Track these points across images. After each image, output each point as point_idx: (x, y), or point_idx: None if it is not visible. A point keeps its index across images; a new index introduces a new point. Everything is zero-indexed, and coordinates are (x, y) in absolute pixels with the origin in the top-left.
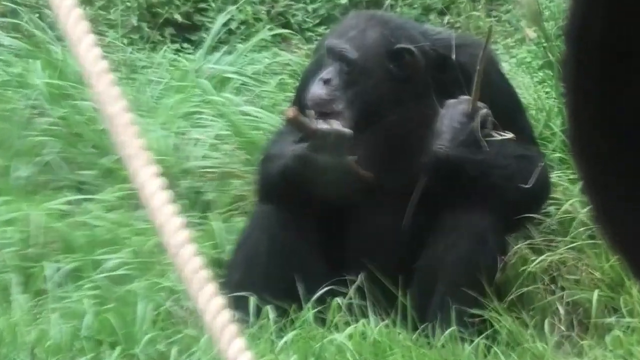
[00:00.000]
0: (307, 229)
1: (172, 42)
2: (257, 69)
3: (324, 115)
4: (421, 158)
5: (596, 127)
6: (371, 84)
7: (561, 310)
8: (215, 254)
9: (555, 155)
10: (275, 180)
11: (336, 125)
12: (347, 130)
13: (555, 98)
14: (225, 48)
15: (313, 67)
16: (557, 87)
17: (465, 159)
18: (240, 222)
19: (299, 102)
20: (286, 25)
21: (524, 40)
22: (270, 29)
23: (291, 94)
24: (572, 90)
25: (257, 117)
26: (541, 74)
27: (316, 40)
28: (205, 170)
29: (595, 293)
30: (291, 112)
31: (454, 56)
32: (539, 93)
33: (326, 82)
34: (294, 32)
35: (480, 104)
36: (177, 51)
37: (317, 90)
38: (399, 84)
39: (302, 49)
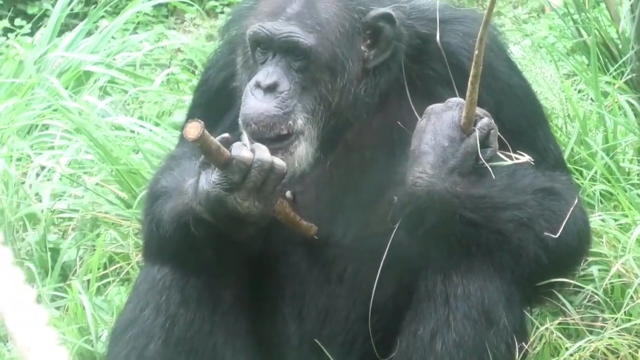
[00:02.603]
0: (222, 304)
1: None
2: (133, 59)
3: (274, 140)
4: (391, 195)
5: None
6: (340, 80)
7: None
8: (83, 343)
9: (596, 187)
10: (167, 231)
11: (263, 152)
12: (279, 161)
13: (594, 99)
14: (81, 25)
15: (223, 58)
16: (596, 80)
17: (458, 196)
18: (118, 294)
19: (205, 113)
20: None
21: (543, 10)
22: None
23: (189, 98)
24: None
25: (135, 132)
26: (571, 62)
27: (222, 12)
28: (59, 216)
29: None
30: (194, 129)
31: (438, 37)
32: (568, 92)
33: (269, 89)
34: (189, 1)
35: (479, 110)
36: (6, 31)
37: (258, 104)
38: (374, 74)
39: (201, 26)
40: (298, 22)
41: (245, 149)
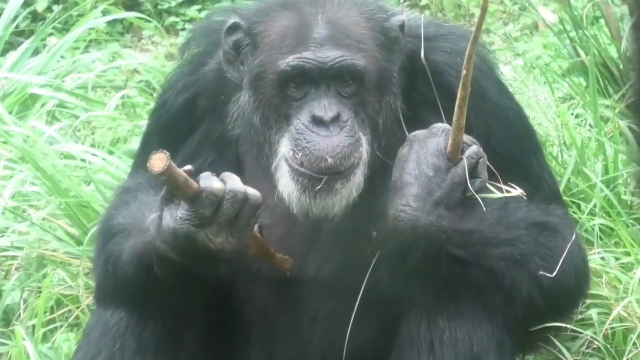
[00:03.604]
0: (183, 351)
1: None
2: (84, 81)
3: (346, 172)
4: (370, 229)
5: None
6: (387, 97)
7: None
8: None
9: (595, 222)
10: (126, 272)
11: (235, 182)
12: (252, 191)
13: (593, 125)
14: (27, 43)
15: (183, 79)
16: (595, 104)
17: (444, 230)
18: (67, 340)
19: (162, 140)
20: (133, 4)
21: (536, 27)
22: (105, 12)
23: (144, 122)
24: None
25: (87, 161)
26: (568, 84)
27: (183, 29)
28: (2, 254)
29: None
30: (159, 161)
31: (422, 54)
32: (564, 117)
33: (333, 121)
34: (146, 17)
35: (466, 137)
36: None
37: (328, 139)
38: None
39: (160, 44)
40: (336, 44)
41: (215, 180)
